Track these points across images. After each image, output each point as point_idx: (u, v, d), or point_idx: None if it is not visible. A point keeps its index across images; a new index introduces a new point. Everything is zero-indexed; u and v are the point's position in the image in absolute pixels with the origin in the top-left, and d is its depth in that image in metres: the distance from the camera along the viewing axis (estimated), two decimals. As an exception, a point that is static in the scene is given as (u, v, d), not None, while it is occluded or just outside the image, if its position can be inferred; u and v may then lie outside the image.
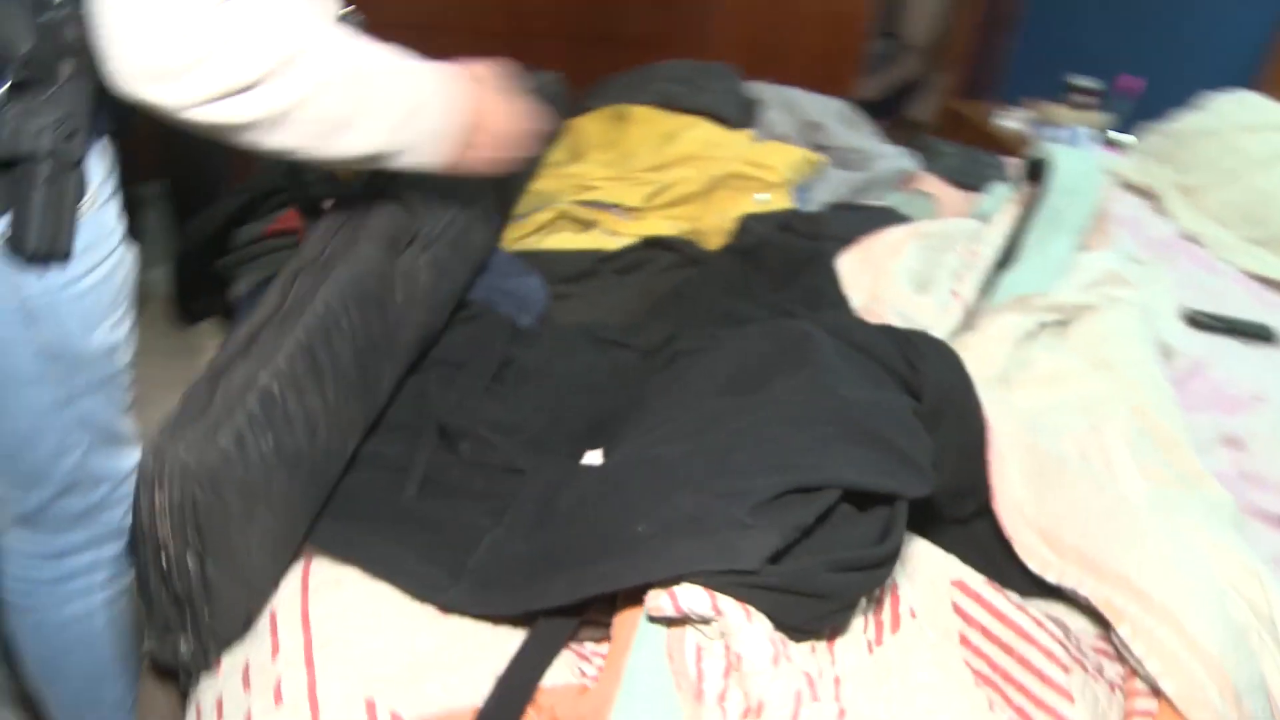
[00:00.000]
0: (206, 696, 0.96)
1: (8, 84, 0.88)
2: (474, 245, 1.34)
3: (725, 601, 0.84)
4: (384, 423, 1.21)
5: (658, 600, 0.85)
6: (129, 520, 1.16)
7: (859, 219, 1.63)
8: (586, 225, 1.64)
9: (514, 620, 0.97)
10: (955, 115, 3.06)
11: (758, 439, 0.92)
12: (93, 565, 1.20)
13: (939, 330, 1.42)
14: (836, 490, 0.89)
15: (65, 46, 0.90)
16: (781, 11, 2.99)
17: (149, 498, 0.88)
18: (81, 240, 0.99)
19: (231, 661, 0.97)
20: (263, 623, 0.99)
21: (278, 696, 0.91)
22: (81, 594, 1.20)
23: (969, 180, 1.92)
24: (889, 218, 1.66)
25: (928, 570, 1.08)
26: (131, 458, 1.15)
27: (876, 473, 0.92)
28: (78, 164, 0.95)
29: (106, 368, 1.08)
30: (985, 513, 1.13)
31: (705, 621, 0.86)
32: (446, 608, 0.98)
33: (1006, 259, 1.56)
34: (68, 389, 1.05)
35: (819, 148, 1.87)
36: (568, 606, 0.92)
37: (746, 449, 0.91)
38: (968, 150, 2.09)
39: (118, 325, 1.07)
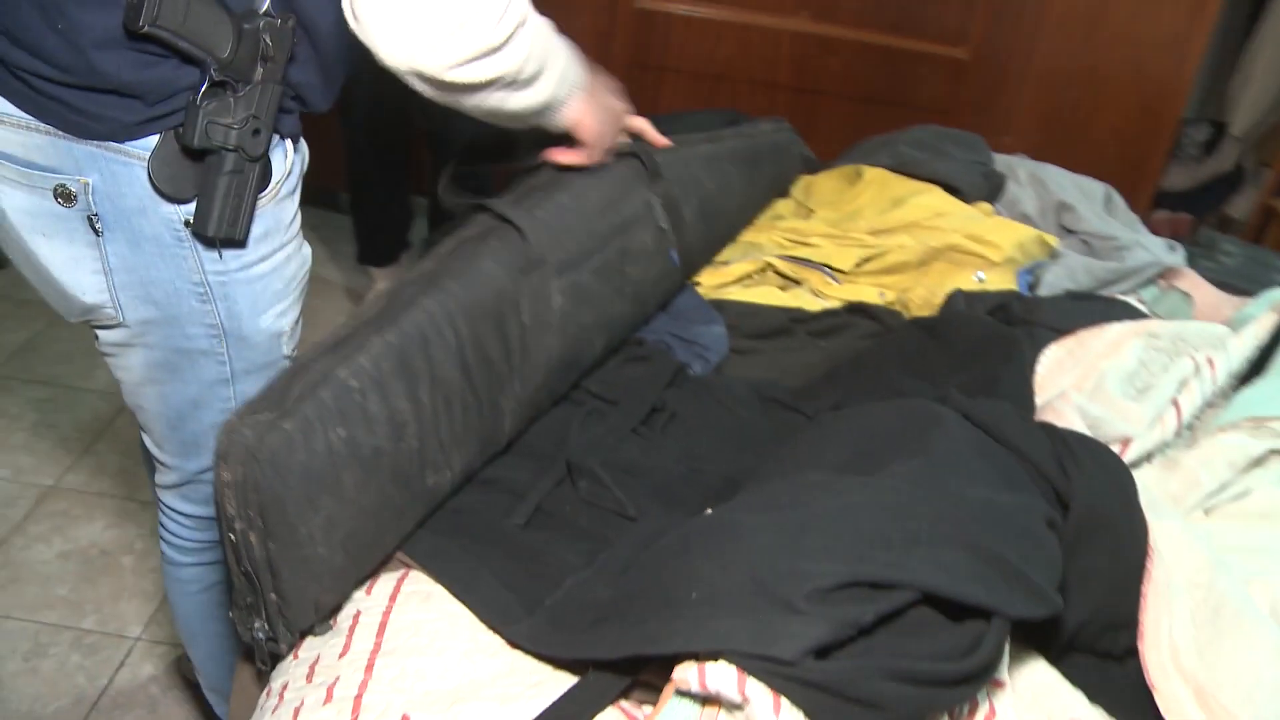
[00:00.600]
0: (277, 680, 1.00)
1: (207, 82, 0.98)
2: (635, 279, 1.32)
3: (755, 687, 0.78)
4: (519, 447, 1.22)
5: (685, 673, 0.80)
6: None
7: (1085, 309, 1.49)
8: (792, 283, 1.59)
9: (576, 667, 0.95)
10: (1273, 214, 2.75)
11: (839, 522, 0.85)
12: None
13: (1147, 442, 1.27)
14: (911, 592, 0.81)
15: (260, 53, 0.99)
16: (1089, 88, 2.80)
17: (218, 474, 0.93)
18: (259, 229, 1.07)
19: (307, 652, 1.00)
20: (346, 621, 1.02)
21: (329, 695, 0.93)
22: (219, 569, 1.29)
23: (1244, 284, 1.71)
24: (1123, 312, 1.50)
25: (1048, 703, 0.96)
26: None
27: (968, 581, 0.82)
28: (260, 159, 1.03)
29: (269, 353, 1.15)
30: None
31: (736, 706, 0.79)
32: (510, 639, 0.97)
33: (1251, 374, 1.37)
34: (231, 366, 1.14)
35: (1067, 231, 1.73)
36: (623, 663, 0.89)
37: (824, 530, 0.85)
38: (1258, 251, 1.87)
39: (284, 314, 1.15)
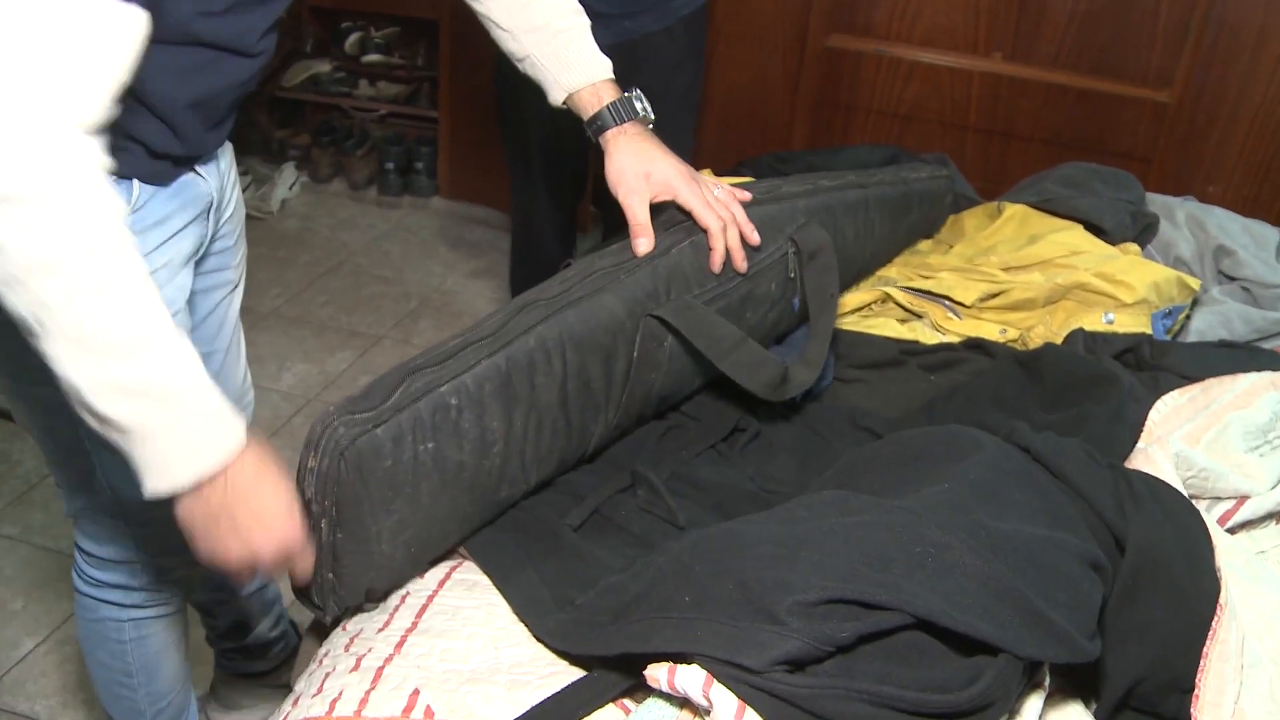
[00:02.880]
0: (324, 648, 1.05)
1: None
2: (751, 324, 1.30)
3: (719, 692, 0.77)
4: (598, 457, 1.24)
5: (657, 673, 0.80)
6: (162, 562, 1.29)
7: (1222, 357, 1.37)
8: (913, 316, 1.55)
9: (592, 663, 0.95)
10: None
11: (841, 539, 0.83)
12: (125, 589, 1.33)
13: (1267, 502, 1.16)
14: (901, 616, 0.77)
15: None
16: (1305, 135, 2.59)
17: (305, 458, 0.98)
18: None
19: (353, 626, 1.05)
20: (394, 600, 1.07)
21: (357, 663, 0.98)
22: (111, 608, 1.35)
23: None
24: (1269, 363, 1.38)
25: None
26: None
27: (970, 612, 0.78)
28: None
29: None
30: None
31: (705, 711, 0.78)
32: (535, 633, 0.98)
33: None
34: None
35: (1227, 278, 1.60)
36: (628, 661, 0.89)
37: (822, 545, 0.82)
38: None
39: None
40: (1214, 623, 0.91)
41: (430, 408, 1.01)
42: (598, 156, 1.29)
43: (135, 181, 1.07)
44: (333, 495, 0.97)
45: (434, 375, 1.03)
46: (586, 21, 1.29)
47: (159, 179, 1.10)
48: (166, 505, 0.90)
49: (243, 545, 0.92)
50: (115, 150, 0.86)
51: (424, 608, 1.05)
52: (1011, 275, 1.54)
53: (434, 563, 1.11)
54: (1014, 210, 1.68)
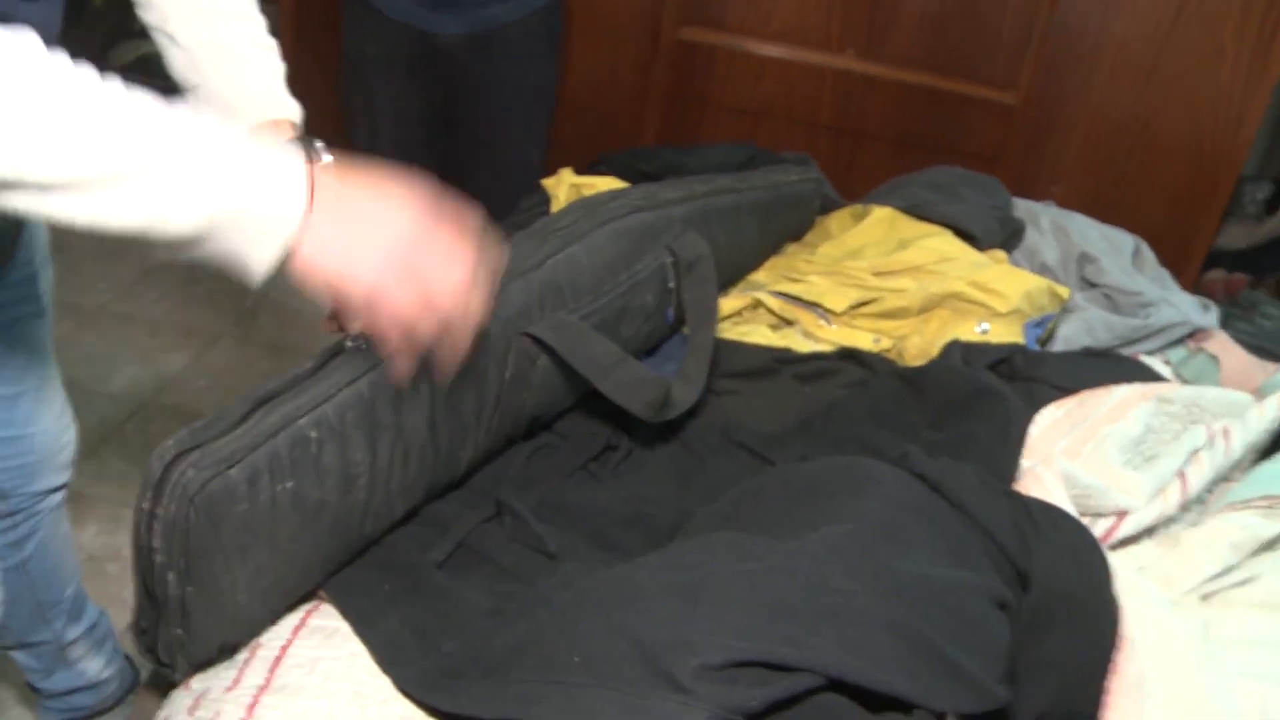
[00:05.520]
0: (163, 710, 0.93)
1: None
2: (625, 337, 1.24)
3: (619, 772, 0.69)
4: (464, 483, 1.14)
5: (548, 747, 0.71)
6: None
7: (1094, 368, 1.37)
8: (785, 322, 1.50)
9: (465, 725, 0.86)
10: (1338, 280, 2.59)
11: (741, 589, 0.76)
12: None
13: (1145, 516, 1.15)
14: (813, 677, 0.71)
15: None
16: (1141, 140, 2.67)
17: (148, 500, 0.85)
18: None
19: (199, 683, 0.94)
20: (243, 653, 0.95)
21: (202, 732, 0.86)
22: None
23: (1282, 350, 1.58)
24: (1137, 373, 1.39)
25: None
26: None
27: (883, 667, 0.73)
28: None
29: None
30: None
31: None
32: (399, 685, 0.89)
33: (1273, 448, 1.25)
34: None
35: (1089, 284, 1.61)
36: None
37: (722, 597, 0.76)
38: (1303, 317, 1.73)
39: None
40: (1116, 655, 0.89)
41: (289, 443, 0.89)
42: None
43: None
44: (181, 545, 0.85)
45: (291, 406, 0.91)
46: (280, 62, 1.11)
47: None
48: None
49: (387, 239, 0.76)
50: None
51: (278, 660, 0.93)
52: (881, 280, 1.51)
53: (291, 606, 1.00)
54: (881, 213, 1.65)
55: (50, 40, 0.92)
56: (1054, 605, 0.87)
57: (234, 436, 0.88)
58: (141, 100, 0.73)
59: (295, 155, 0.77)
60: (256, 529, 0.88)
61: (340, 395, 0.93)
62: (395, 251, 0.77)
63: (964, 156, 2.67)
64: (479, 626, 0.91)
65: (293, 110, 1.08)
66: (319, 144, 1.01)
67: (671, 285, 1.25)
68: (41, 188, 0.69)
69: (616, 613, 0.77)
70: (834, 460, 0.97)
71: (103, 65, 0.76)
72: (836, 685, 0.72)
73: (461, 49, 2.01)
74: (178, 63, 1.10)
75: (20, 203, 0.70)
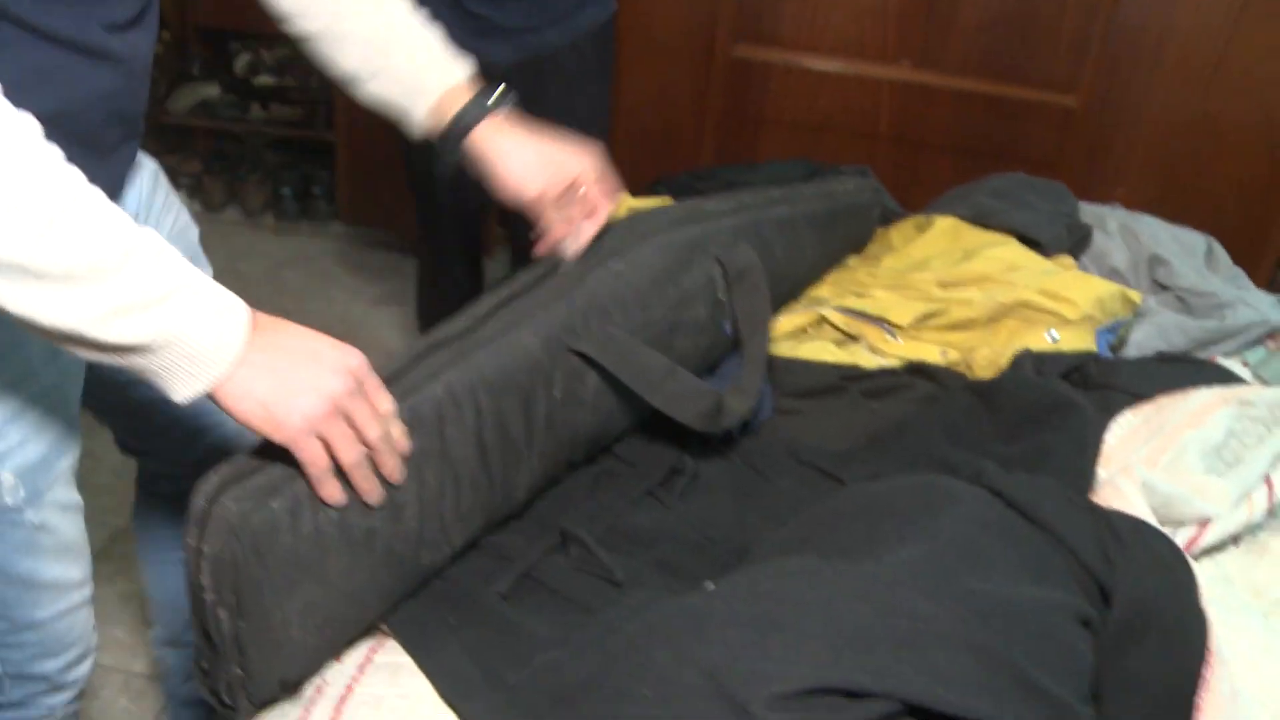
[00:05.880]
0: (233, 752, 0.94)
1: None
2: (680, 352, 1.22)
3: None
4: (526, 513, 1.14)
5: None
6: (32, 669, 1.14)
7: (1170, 373, 1.34)
8: (850, 338, 1.49)
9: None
10: None
11: (816, 617, 0.75)
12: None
13: (1230, 524, 1.12)
14: (891, 703, 0.70)
15: None
16: (1209, 137, 2.61)
17: (194, 539, 0.86)
18: None
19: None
20: (309, 691, 0.95)
21: (269, 772, 0.87)
22: None
23: (1369, 349, 1.53)
24: (1215, 376, 1.35)
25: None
26: (40, 608, 1.08)
27: (967, 691, 0.71)
28: None
29: None
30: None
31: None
32: (463, 717, 0.88)
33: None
34: None
35: (1161, 287, 1.58)
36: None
37: (797, 626, 0.74)
38: (1390, 313, 1.67)
39: None
40: (1205, 671, 0.86)
41: None
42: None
43: None
44: (229, 582, 0.85)
45: None
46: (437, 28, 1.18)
47: None
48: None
49: (315, 377, 0.81)
50: None
51: (343, 699, 0.93)
52: (947, 292, 1.49)
53: (352, 641, 1.00)
54: (945, 223, 1.63)
55: (143, 70, 0.98)
56: (1140, 621, 0.85)
57: (274, 467, 0.88)
58: (110, 209, 0.76)
59: (235, 302, 0.81)
60: (303, 560, 0.88)
61: None
62: (317, 407, 0.82)
63: (1025, 162, 2.62)
64: (545, 658, 0.90)
65: (466, 69, 1.17)
66: (500, 91, 1.15)
67: (722, 297, 1.24)
68: None
69: (688, 643, 0.76)
70: (908, 479, 0.96)
71: (165, 110, 0.78)
72: (914, 710, 0.71)
73: (514, 76, 2.03)
74: (352, 57, 1.13)
75: None
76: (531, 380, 1.05)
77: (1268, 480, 1.16)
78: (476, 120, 1.13)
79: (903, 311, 1.45)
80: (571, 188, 1.15)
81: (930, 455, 1.15)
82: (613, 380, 1.12)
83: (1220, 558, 1.15)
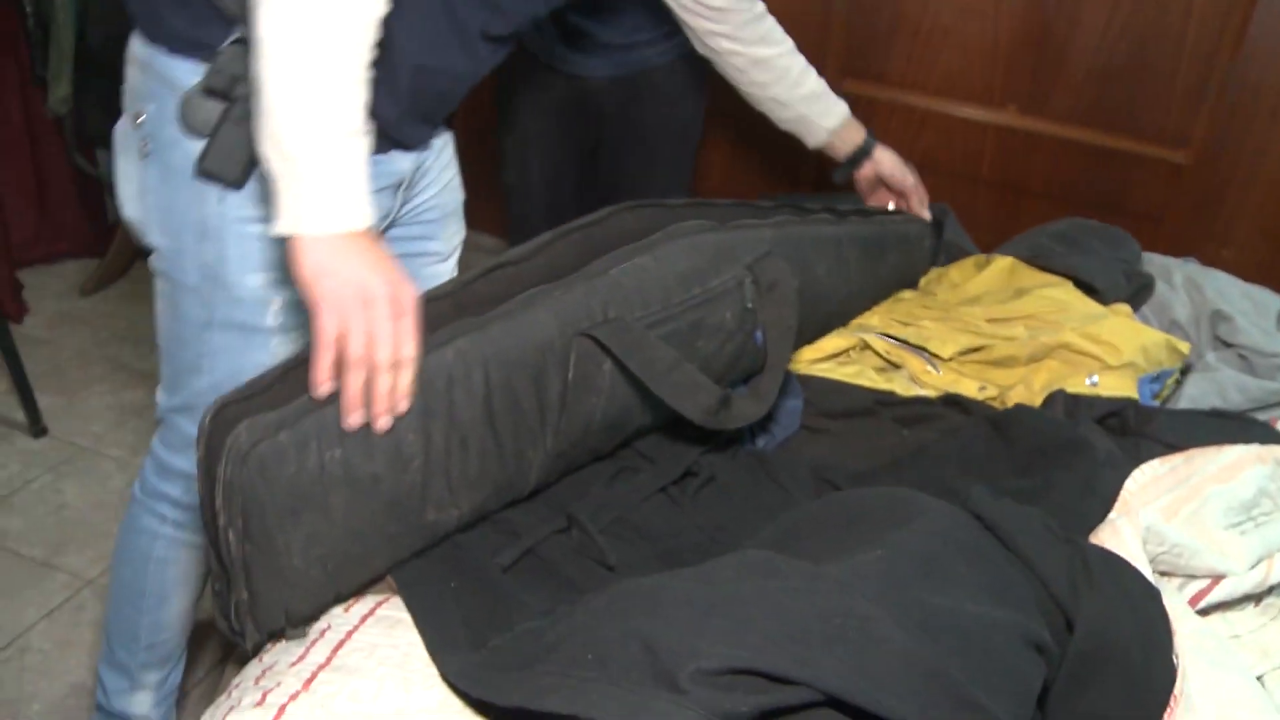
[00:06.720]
0: (237, 678, 1.01)
1: (235, 37, 1.07)
2: (704, 354, 1.25)
3: (609, 763, 0.71)
4: (541, 496, 1.18)
5: (549, 734, 0.74)
6: None
7: (1210, 426, 1.31)
8: (891, 366, 1.49)
9: (505, 714, 0.89)
10: None
11: (760, 606, 0.77)
12: (175, 503, 1.34)
13: (1243, 584, 1.10)
14: (810, 692, 0.72)
15: None
16: (1323, 196, 2.52)
17: (206, 463, 0.93)
18: (263, 189, 1.11)
19: (270, 657, 1.01)
20: (314, 634, 1.02)
21: (263, 698, 0.93)
22: (153, 518, 1.36)
23: None
24: (1260, 435, 1.31)
25: None
26: None
27: (889, 692, 0.72)
28: None
29: (252, 314, 1.19)
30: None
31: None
32: (441, 671, 0.93)
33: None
34: (213, 312, 1.19)
35: (1223, 344, 1.54)
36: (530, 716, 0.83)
37: (740, 611, 0.77)
38: None
39: (274, 285, 1.18)
40: (1165, 715, 0.85)
41: (336, 413, 0.96)
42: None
43: None
44: (237, 504, 0.93)
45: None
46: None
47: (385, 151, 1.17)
48: None
49: (360, 274, 0.96)
50: None
51: (341, 643, 1.00)
52: (995, 327, 1.49)
53: (361, 595, 1.06)
54: (1003, 262, 1.62)
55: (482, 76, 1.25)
56: (1103, 656, 0.84)
57: (288, 402, 0.95)
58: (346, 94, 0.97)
59: (363, 211, 0.99)
60: (307, 493, 0.95)
61: None
62: (344, 290, 0.96)
63: (1129, 215, 2.58)
64: (525, 626, 0.94)
65: (845, 110, 1.82)
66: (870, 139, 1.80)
67: (751, 305, 1.27)
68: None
69: (636, 618, 0.79)
70: (886, 490, 0.97)
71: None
72: (837, 705, 0.73)
73: (610, 92, 2.08)
74: (782, 121, 1.85)
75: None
76: (544, 358, 1.10)
77: (1293, 544, 1.12)
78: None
79: (945, 343, 1.46)
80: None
81: (940, 482, 1.16)
82: (626, 369, 1.15)
83: (1232, 616, 1.12)
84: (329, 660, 0.97)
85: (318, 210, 0.96)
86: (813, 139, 1.79)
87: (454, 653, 0.94)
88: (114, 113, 1.23)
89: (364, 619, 1.03)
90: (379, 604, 1.05)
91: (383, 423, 0.97)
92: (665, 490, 1.21)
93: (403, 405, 0.98)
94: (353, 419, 0.96)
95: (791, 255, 1.34)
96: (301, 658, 0.98)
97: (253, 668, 1.00)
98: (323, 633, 1.01)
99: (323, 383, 0.96)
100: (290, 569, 0.97)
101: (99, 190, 3.00)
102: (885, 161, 1.79)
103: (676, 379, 1.13)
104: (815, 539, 0.91)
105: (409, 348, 0.97)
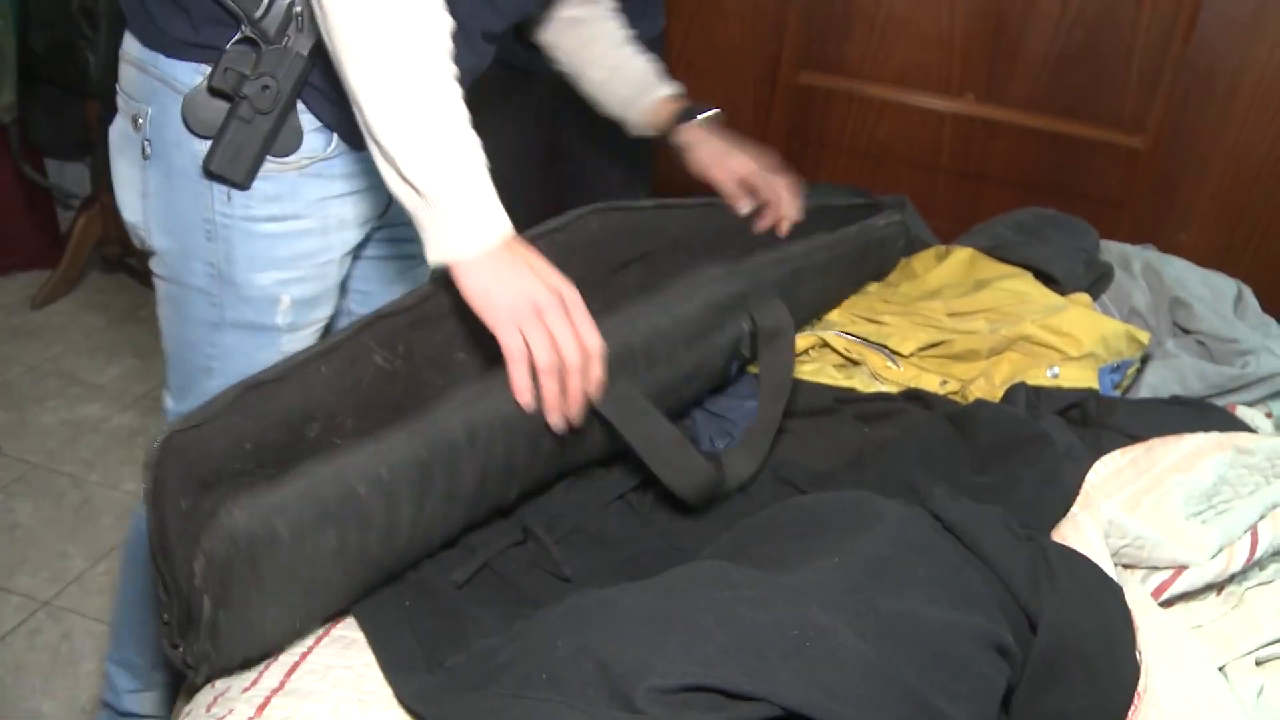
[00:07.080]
0: (188, 706, 0.98)
1: (239, 35, 1.08)
2: (689, 397, 1.26)
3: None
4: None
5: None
6: None
7: (1170, 415, 1.30)
8: (850, 363, 1.48)
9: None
10: None
11: (714, 618, 0.75)
12: None
13: (1206, 573, 1.09)
14: (769, 707, 0.70)
15: (291, 22, 1.07)
16: (1278, 182, 2.54)
17: (155, 496, 0.90)
18: (270, 188, 1.13)
19: (223, 682, 0.98)
20: (267, 659, 0.99)
21: (214, 728, 0.90)
22: None
23: (1403, 406, 1.47)
24: (1219, 422, 1.31)
25: None
26: None
27: (849, 703, 0.71)
28: (269, 114, 1.09)
29: (260, 313, 1.18)
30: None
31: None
32: (397, 694, 0.91)
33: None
34: (222, 312, 1.18)
35: (1182, 330, 1.54)
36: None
37: (693, 624, 0.75)
38: None
39: (284, 284, 1.17)
40: (1130, 713, 0.84)
41: (338, 498, 0.91)
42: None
43: (335, 135, 1.16)
44: (218, 580, 0.88)
45: (346, 461, 0.92)
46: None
47: (356, 141, 1.13)
48: None
49: (524, 281, 0.98)
50: (331, 103, 1.11)
51: (295, 666, 0.97)
52: (955, 321, 1.48)
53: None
54: (962, 254, 1.62)
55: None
56: (1065, 656, 0.83)
57: (283, 476, 0.89)
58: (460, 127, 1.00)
59: (501, 221, 1.02)
60: (295, 577, 0.91)
61: (395, 451, 0.94)
62: (518, 301, 0.98)
63: (1088, 202, 2.59)
64: (481, 644, 0.92)
65: (676, 87, 1.60)
66: (704, 109, 1.58)
67: (745, 352, 1.27)
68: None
69: (590, 634, 0.77)
70: (844, 494, 0.95)
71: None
72: (796, 718, 0.71)
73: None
74: (591, 83, 1.66)
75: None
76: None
77: (1253, 532, 1.12)
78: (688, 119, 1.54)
79: (906, 340, 1.44)
80: (754, 175, 1.51)
81: (901, 480, 1.14)
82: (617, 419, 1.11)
83: (1194, 606, 1.12)
84: (282, 684, 0.94)
85: (465, 234, 0.99)
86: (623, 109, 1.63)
87: (409, 674, 0.91)
88: (61, 120, 1.23)
89: (319, 640, 1.00)
90: (333, 625, 1.02)
91: (577, 409, 1.01)
92: (624, 497, 1.19)
93: (599, 395, 1.02)
94: (556, 420, 1.00)
95: (789, 289, 1.35)
96: (255, 683, 0.95)
97: (204, 694, 0.97)
98: (276, 655, 0.99)
99: (523, 393, 0.98)
100: (262, 630, 0.94)
101: (49, 201, 2.94)
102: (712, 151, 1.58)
103: (679, 463, 1.10)
104: (772, 546, 0.90)
105: (592, 340, 1.00)
